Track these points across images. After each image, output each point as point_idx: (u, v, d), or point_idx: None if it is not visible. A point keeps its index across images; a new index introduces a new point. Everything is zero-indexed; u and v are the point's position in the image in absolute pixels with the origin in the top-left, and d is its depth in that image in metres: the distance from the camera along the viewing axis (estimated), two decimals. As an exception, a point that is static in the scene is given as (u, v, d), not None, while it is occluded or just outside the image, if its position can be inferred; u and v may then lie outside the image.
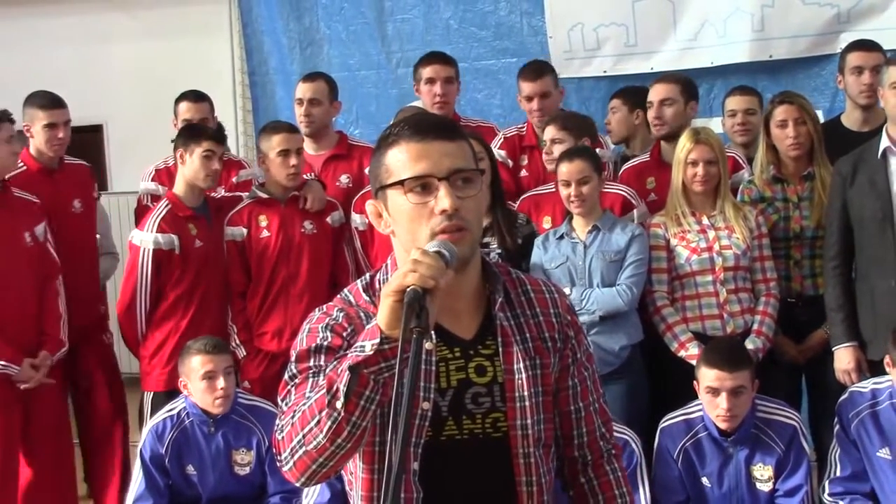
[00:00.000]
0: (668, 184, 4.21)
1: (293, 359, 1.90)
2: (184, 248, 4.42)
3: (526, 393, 1.91)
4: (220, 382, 3.93)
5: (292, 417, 1.79)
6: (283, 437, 1.80)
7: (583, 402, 2.04)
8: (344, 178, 4.86)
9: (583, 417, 2.04)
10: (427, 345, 1.84)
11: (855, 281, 4.03)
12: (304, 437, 1.75)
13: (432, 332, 1.82)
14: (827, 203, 4.09)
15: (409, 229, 1.86)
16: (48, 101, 4.66)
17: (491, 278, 1.97)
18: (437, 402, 1.88)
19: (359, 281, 2.00)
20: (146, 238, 4.40)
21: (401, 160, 1.85)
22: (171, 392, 4.26)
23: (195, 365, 3.94)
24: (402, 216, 1.87)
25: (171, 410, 4.04)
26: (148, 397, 4.50)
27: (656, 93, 4.58)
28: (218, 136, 4.58)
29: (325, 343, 1.87)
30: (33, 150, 4.71)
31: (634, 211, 4.34)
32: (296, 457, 1.78)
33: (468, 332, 1.94)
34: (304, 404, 1.77)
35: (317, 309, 1.97)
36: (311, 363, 1.86)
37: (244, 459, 4.02)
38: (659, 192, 4.42)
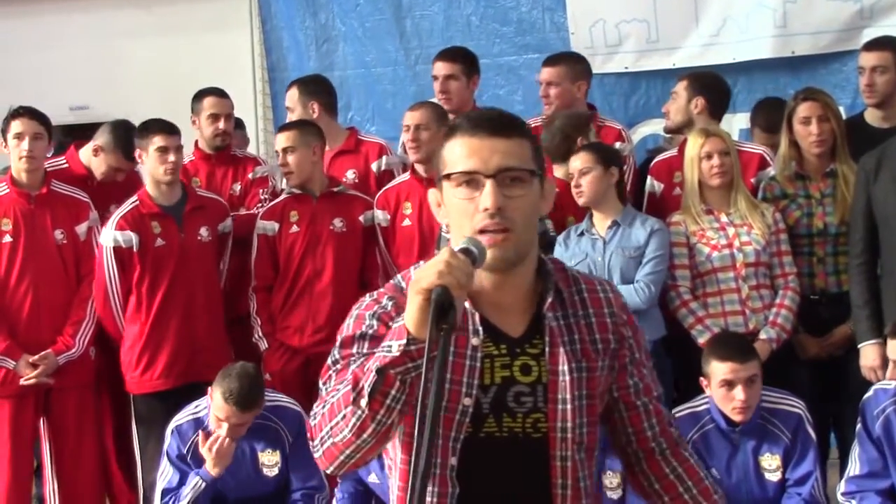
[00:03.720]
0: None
1: (338, 343, 1.90)
2: (143, 245, 4.36)
3: (568, 395, 1.89)
4: (242, 431, 3.85)
5: (324, 407, 1.80)
6: (315, 424, 1.83)
7: (646, 396, 2.04)
8: (350, 174, 4.87)
9: (651, 410, 2.04)
10: (473, 340, 1.85)
11: (880, 278, 4.00)
12: (331, 428, 1.77)
13: (479, 328, 1.84)
14: (852, 199, 4.06)
15: (457, 223, 1.88)
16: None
17: (544, 276, 1.95)
18: (478, 399, 1.87)
19: (412, 267, 1.97)
20: (107, 235, 4.38)
21: (455, 154, 1.88)
22: (154, 394, 4.35)
23: (221, 407, 3.76)
24: (452, 209, 1.89)
25: (195, 413, 3.98)
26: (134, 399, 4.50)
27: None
28: (170, 128, 4.48)
29: (371, 332, 1.86)
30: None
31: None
32: (324, 446, 1.81)
33: (516, 329, 1.92)
34: (334, 396, 1.78)
35: (367, 294, 1.96)
36: (355, 350, 1.86)
37: (271, 460, 3.97)
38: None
